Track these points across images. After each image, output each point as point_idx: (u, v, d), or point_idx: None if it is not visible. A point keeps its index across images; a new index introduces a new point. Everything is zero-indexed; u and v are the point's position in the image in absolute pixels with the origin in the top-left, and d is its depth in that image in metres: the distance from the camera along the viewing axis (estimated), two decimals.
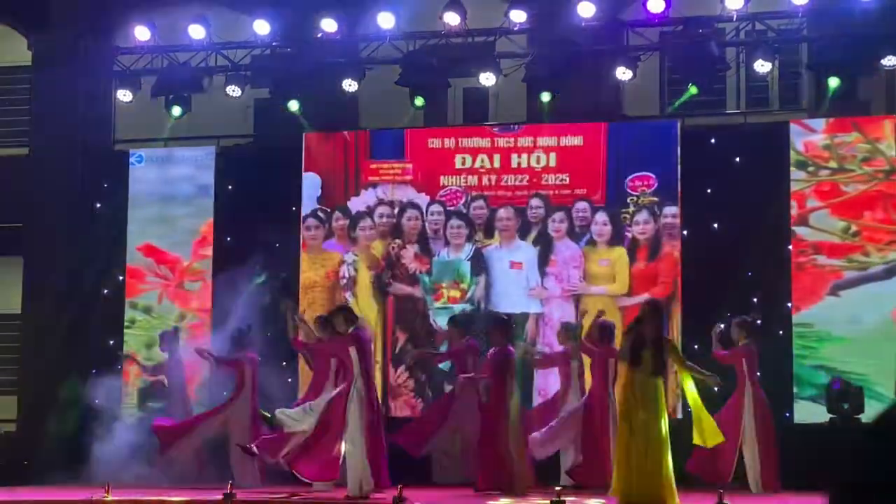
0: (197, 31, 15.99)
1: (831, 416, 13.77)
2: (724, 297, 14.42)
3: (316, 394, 11.56)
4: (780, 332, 14.43)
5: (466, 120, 16.67)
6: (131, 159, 16.59)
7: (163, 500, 12.08)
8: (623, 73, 15.05)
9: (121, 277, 16.41)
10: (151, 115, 16.43)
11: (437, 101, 16.04)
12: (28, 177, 17.15)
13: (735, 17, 14.76)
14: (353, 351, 10.22)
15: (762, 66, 14.77)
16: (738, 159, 14.86)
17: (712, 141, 15.12)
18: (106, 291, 16.43)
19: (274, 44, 16.02)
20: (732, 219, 14.63)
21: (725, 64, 14.92)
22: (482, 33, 15.60)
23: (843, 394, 13.69)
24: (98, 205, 16.58)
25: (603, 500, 11.23)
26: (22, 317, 16.95)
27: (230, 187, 16.29)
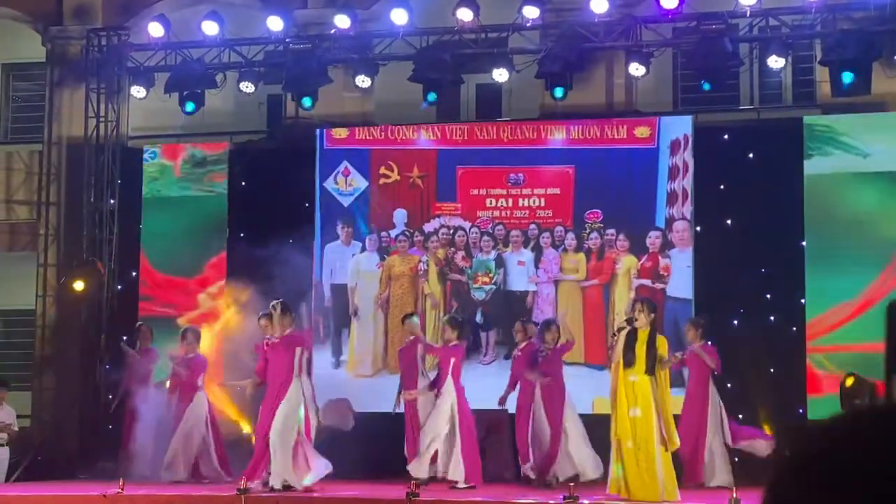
0: (210, 28, 15.99)
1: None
2: (738, 294, 14.41)
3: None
4: (794, 329, 14.40)
5: (479, 116, 16.69)
6: (145, 155, 16.62)
7: (176, 496, 12.13)
8: (636, 69, 15.03)
9: (134, 273, 16.44)
10: (165, 112, 16.46)
11: (450, 96, 16.06)
12: (42, 173, 17.21)
13: (748, 12, 14.72)
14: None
15: (776, 62, 14.72)
16: (751, 155, 14.83)
17: (725, 137, 15.10)
18: (120, 287, 16.48)
19: (287, 40, 16.03)
20: (746, 215, 14.60)
21: (738, 60, 14.87)
22: (495, 29, 15.60)
23: (857, 391, 13.64)
24: (112, 200, 16.60)
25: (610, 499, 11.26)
26: (36, 312, 17.00)
27: (243, 183, 16.32)
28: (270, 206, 15.71)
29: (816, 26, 14.72)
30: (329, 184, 15.89)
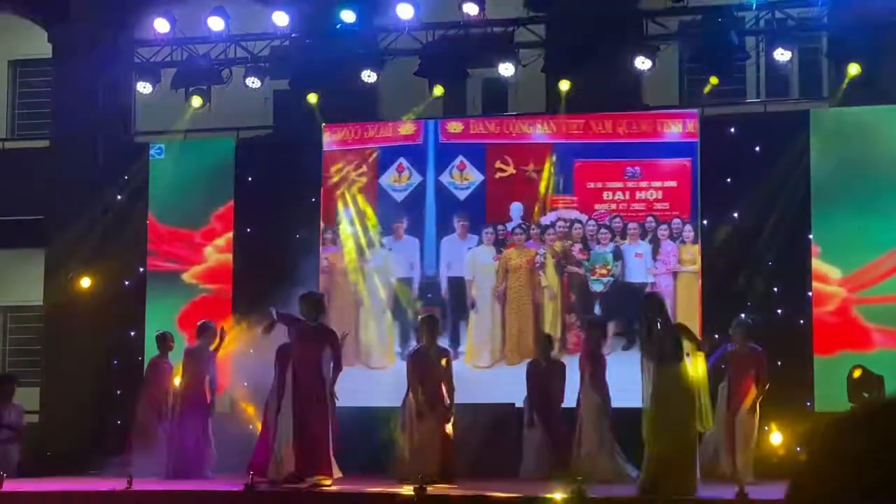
0: (216, 23, 16.00)
1: (852, 405, 13.73)
2: (745, 287, 14.41)
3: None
4: (801, 322, 14.39)
5: (485, 110, 16.69)
6: (151, 151, 16.64)
7: (184, 492, 12.14)
8: (642, 63, 15.02)
9: (141, 269, 16.46)
10: (171, 107, 16.47)
11: (456, 91, 16.06)
12: (49, 169, 17.21)
13: (755, 5, 14.71)
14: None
15: (782, 55, 14.71)
16: (758, 148, 14.83)
17: (732, 130, 15.09)
18: (127, 283, 16.49)
19: (293, 35, 16.03)
20: (753, 208, 14.60)
21: (745, 53, 14.85)
22: (501, 24, 15.59)
23: (864, 382, 13.63)
24: (119, 196, 16.62)
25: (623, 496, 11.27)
26: (44, 308, 17.02)
27: (250, 178, 16.33)
28: (277, 201, 15.73)
29: (823, 19, 14.71)
30: (444, 178, 15.94)
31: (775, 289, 14.52)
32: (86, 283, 16.17)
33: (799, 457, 1.59)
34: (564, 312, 15.50)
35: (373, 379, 15.35)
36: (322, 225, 15.92)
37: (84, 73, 16.78)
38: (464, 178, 15.96)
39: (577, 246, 15.53)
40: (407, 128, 16.00)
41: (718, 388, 12.82)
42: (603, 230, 15.48)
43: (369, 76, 15.79)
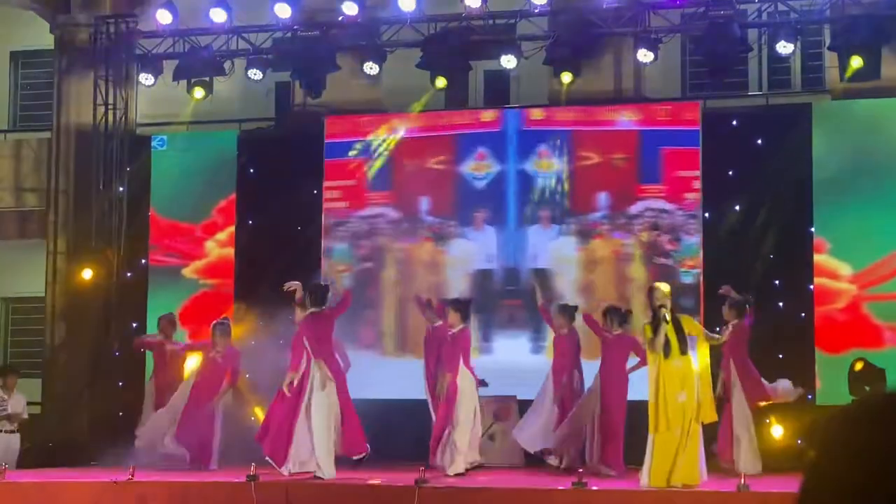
0: (218, 15, 16.00)
1: (853, 398, 13.69)
2: (747, 280, 14.40)
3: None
4: (803, 315, 14.39)
5: (487, 103, 16.68)
6: (153, 143, 16.64)
7: (187, 482, 12.16)
8: (644, 55, 15.01)
9: (143, 261, 16.47)
10: (173, 99, 16.46)
11: (458, 83, 16.04)
12: (51, 160, 17.23)
13: None
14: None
15: (784, 48, 14.69)
16: (759, 141, 14.82)
17: (734, 123, 15.08)
18: (129, 275, 16.50)
19: (295, 27, 16.03)
20: (754, 201, 14.60)
21: (747, 45, 14.84)
22: (503, 15, 15.59)
23: (866, 375, 13.62)
24: (121, 188, 16.63)
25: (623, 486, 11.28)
26: (45, 300, 17.03)
27: (252, 170, 16.33)
28: (279, 193, 15.73)
29: (825, 11, 14.69)
30: (526, 166, 15.44)
31: (777, 282, 14.52)
32: (87, 274, 16.18)
33: (801, 449, 1.59)
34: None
35: None
36: (324, 220, 15.89)
37: (86, 64, 16.79)
38: (546, 167, 15.53)
39: (666, 237, 15.00)
40: (487, 115, 15.71)
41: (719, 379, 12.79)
42: (692, 220, 14.98)
43: (371, 68, 15.79)
